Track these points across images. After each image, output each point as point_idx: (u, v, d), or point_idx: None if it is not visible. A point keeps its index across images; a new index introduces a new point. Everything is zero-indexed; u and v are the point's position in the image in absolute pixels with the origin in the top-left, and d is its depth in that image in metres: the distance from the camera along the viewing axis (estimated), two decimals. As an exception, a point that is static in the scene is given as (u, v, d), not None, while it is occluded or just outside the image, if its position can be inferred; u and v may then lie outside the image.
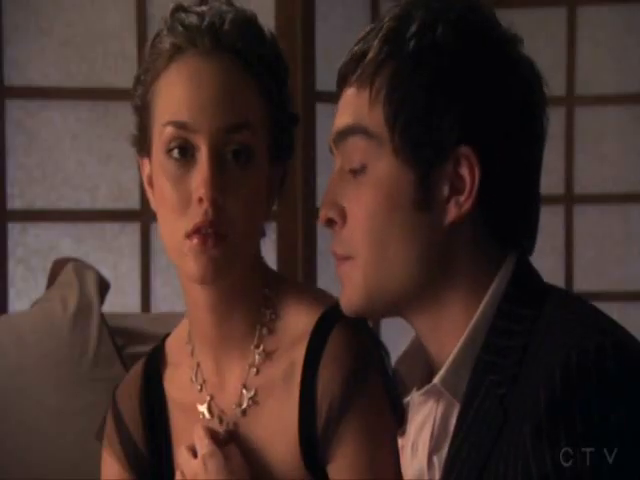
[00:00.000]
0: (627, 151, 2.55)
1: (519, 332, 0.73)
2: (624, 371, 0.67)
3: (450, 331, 0.76)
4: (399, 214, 0.75)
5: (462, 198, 0.74)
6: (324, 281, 2.18)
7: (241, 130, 0.83)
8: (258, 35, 0.87)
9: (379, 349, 0.88)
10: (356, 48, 0.78)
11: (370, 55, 0.77)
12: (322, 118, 2.17)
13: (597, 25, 2.55)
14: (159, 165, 0.85)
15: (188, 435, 0.89)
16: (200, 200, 0.82)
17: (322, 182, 2.21)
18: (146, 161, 0.89)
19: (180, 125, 0.83)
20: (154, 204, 0.88)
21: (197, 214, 0.82)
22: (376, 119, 0.76)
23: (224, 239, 0.82)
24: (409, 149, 0.75)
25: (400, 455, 0.82)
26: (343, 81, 0.80)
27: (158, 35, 0.87)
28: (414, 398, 0.79)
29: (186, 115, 0.83)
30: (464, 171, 0.74)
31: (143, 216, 2.15)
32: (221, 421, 0.89)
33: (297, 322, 0.88)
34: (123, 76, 2.14)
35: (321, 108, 2.17)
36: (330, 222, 0.79)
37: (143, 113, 0.88)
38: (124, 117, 2.15)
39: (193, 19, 0.85)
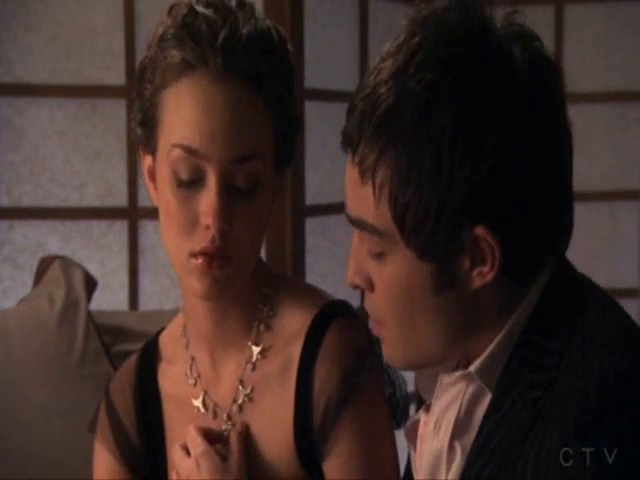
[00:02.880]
0: (614, 149, 2.56)
1: (558, 333, 0.73)
2: None
3: (482, 344, 0.76)
4: (422, 299, 0.75)
5: (485, 269, 0.73)
6: (312, 278, 2.18)
7: (251, 160, 0.83)
8: (271, 52, 0.84)
9: (375, 347, 0.89)
10: (352, 120, 0.74)
11: (365, 143, 0.73)
12: (311, 116, 2.17)
13: (584, 23, 2.56)
14: (166, 180, 0.84)
15: (182, 428, 0.89)
16: (207, 227, 0.82)
17: (310, 179, 2.21)
18: (148, 156, 0.88)
19: (190, 151, 0.82)
20: (156, 201, 0.87)
21: (204, 239, 0.82)
22: (384, 217, 0.74)
23: (229, 261, 0.83)
24: (423, 246, 0.73)
25: (421, 428, 0.82)
26: (346, 145, 0.76)
27: (165, 37, 0.83)
28: (444, 378, 0.79)
29: (197, 142, 0.82)
30: (484, 245, 0.73)
31: (131, 214, 2.15)
32: (215, 415, 0.89)
33: (294, 319, 0.89)
34: (111, 74, 2.13)
35: (310, 106, 2.17)
36: (357, 286, 0.79)
37: (149, 112, 0.85)
38: (112, 115, 2.16)
39: (205, 31, 0.82)
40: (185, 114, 0.82)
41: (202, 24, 0.83)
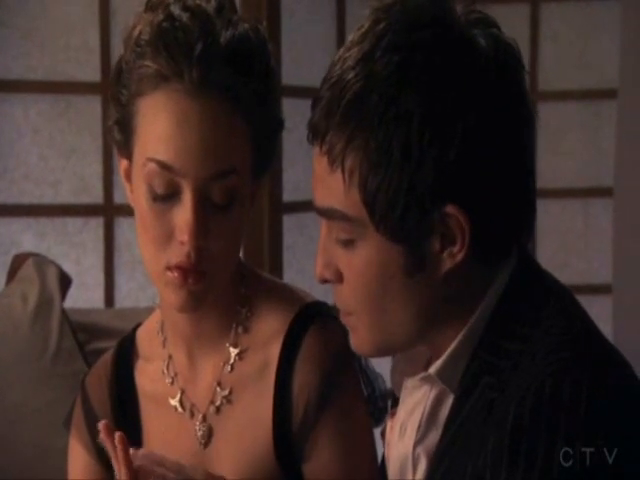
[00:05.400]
0: (588, 146, 2.59)
1: (516, 334, 0.73)
2: (594, 414, 0.67)
3: (449, 336, 0.77)
4: (393, 282, 0.75)
5: (455, 249, 0.73)
6: (290, 275, 2.18)
7: (228, 175, 0.81)
8: (250, 61, 0.82)
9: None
10: (319, 110, 0.74)
11: (333, 132, 0.73)
12: (288, 112, 2.16)
13: (560, 21, 2.58)
14: (142, 192, 0.83)
15: (159, 426, 0.89)
16: (183, 243, 0.81)
17: (288, 176, 2.21)
18: (125, 160, 0.86)
19: (165, 166, 0.81)
20: (132, 202, 0.86)
21: (179, 254, 0.81)
22: (353, 202, 0.74)
23: (205, 275, 0.82)
24: (393, 228, 0.73)
25: (388, 434, 0.83)
26: (313, 137, 0.76)
27: (140, 43, 0.81)
28: (408, 382, 0.80)
29: (172, 158, 0.80)
30: (453, 224, 0.73)
31: (107, 211, 2.13)
32: (192, 415, 0.89)
33: (272, 320, 0.88)
34: (86, 69, 2.12)
35: (287, 103, 2.16)
36: (327, 280, 0.79)
37: (125, 119, 0.84)
38: (87, 111, 2.14)
39: (181, 41, 0.80)
40: (160, 128, 0.81)
41: (178, 33, 0.80)
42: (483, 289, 0.76)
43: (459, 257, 0.74)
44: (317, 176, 0.76)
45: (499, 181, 0.74)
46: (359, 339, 0.78)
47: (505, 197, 0.74)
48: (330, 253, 0.77)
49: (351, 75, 0.73)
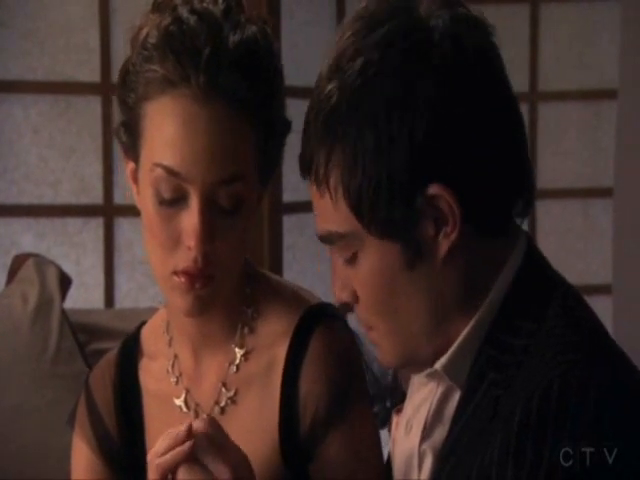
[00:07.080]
0: (588, 146, 2.59)
1: (523, 331, 0.74)
2: (601, 416, 0.67)
3: (459, 330, 0.77)
4: (397, 282, 0.76)
5: (448, 229, 0.74)
6: (290, 276, 2.18)
7: (234, 182, 0.82)
8: (257, 65, 0.83)
9: (359, 347, 0.89)
10: (305, 140, 0.77)
11: (316, 158, 0.75)
12: (288, 113, 2.16)
13: (559, 22, 2.58)
14: (148, 196, 0.83)
15: (161, 425, 0.89)
16: (190, 248, 0.81)
17: (288, 177, 2.21)
18: (131, 162, 0.86)
19: (172, 172, 0.81)
20: (138, 204, 0.86)
21: (186, 259, 0.82)
22: (343, 216, 0.75)
23: (212, 280, 0.83)
24: (383, 224, 0.74)
25: (394, 430, 0.83)
26: (302, 170, 0.78)
27: (147, 47, 0.81)
28: (415, 378, 0.80)
29: (179, 164, 0.81)
30: (441, 204, 0.73)
31: (107, 211, 2.14)
32: (197, 416, 0.89)
33: (278, 321, 0.89)
34: (86, 70, 2.12)
35: (287, 103, 2.16)
36: (346, 302, 0.80)
37: (132, 122, 0.84)
38: (87, 111, 2.15)
39: (188, 46, 0.80)
40: (167, 134, 0.81)
41: (186, 37, 0.80)
42: (488, 274, 0.76)
43: (454, 236, 0.74)
44: (314, 207, 0.78)
45: (477, 150, 0.73)
46: (383, 352, 0.79)
47: (488, 165, 0.74)
48: (342, 275, 0.78)
49: (323, 95, 0.75)
